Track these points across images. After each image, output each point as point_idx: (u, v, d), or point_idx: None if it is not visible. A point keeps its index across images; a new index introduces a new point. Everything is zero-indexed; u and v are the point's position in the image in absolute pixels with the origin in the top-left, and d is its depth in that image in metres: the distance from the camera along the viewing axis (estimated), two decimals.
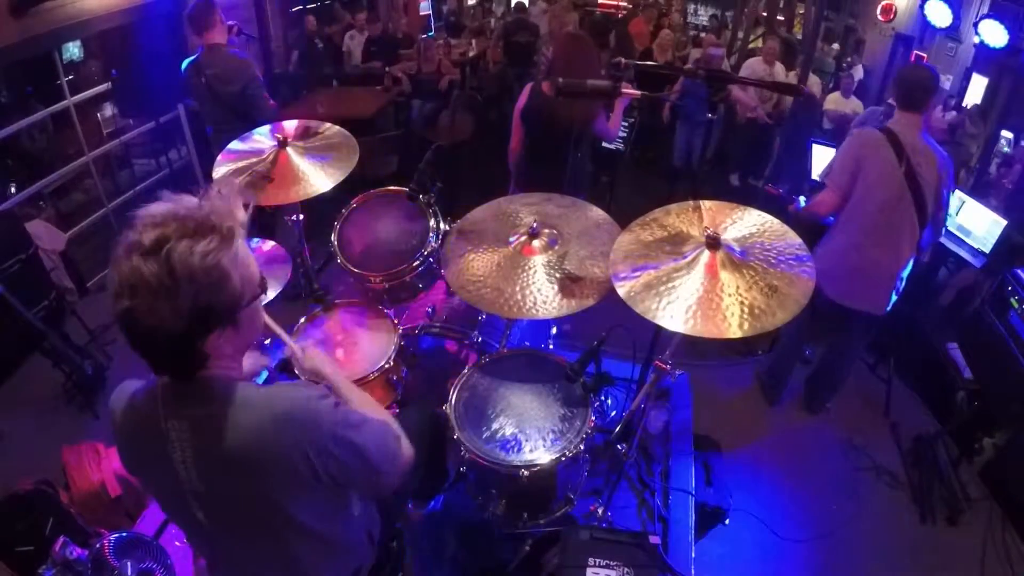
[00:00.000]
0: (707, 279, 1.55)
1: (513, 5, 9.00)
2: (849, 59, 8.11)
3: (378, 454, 1.16)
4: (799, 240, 1.65)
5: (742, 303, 1.50)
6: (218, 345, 1.01)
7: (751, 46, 8.01)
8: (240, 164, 2.10)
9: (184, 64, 3.55)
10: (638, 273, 1.61)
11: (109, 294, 0.95)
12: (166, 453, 1.04)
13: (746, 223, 1.70)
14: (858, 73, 7.60)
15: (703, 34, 8.90)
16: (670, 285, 1.56)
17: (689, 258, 1.61)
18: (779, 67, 5.90)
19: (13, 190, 4.22)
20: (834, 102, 6.13)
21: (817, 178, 2.95)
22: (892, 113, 5.34)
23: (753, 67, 5.92)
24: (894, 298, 2.78)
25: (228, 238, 0.97)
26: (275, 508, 1.07)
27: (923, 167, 2.53)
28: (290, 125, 2.26)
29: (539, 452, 1.69)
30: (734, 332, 1.47)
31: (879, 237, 2.65)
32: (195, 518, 1.10)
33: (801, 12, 9.32)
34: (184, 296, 0.92)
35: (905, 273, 2.74)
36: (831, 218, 2.85)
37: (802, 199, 2.98)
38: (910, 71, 2.77)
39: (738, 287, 1.53)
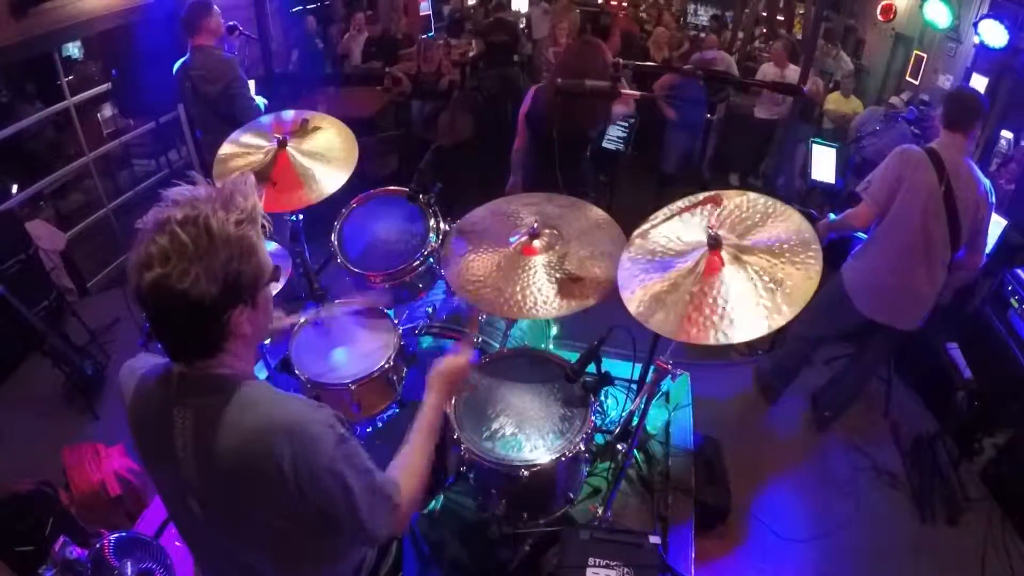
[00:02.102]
0: (709, 280, 1.55)
1: (492, 5, 8.99)
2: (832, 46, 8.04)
3: (368, 508, 1.11)
4: (806, 223, 1.63)
5: (745, 303, 1.50)
6: (240, 323, 1.02)
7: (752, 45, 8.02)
8: (240, 164, 2.10)
9: (175, 67, 3.55)
10: (644, 281, 1.62)
11: (133, 270, 0.95)
12: (170, 440, 1.04)
13: (749, 211, 1.70)
14: (844, 64, 7.61)
15: (703, 34, 8.89)
16: (678, 295, 1.56)
17: (691, 261, 1.61)
18: (792, 69, 5.86)
19: (15, 190, 4.22)
20: (834, 102, 6.13)
21: (857, 189, 2.90)
22: (893, 116, 5.37)
23: (764, 71, 5.93)
24: (926, 314, 2.76)
25: (253, 215, 1.01)
26: (267, 508, 1.07)
27: (963, 191, 2.51)
28: (287, 115, 2.25)
29: (539, 452, 1.69)
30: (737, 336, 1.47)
31: (916, 258, 2.64)
32: (191, 510, 1.10)
33: (801, 12, 9.32)
34: (219, 259, 0.95)
35: (936, 294, 2.73)
36: (862, 234, 2.84)
37: (832, 215, 2.94)
38: (961, 92, 2.74)
39: (740, 287, 1.53)
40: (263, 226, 1.04)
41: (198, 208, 0.95)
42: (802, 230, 1.60)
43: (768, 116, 5.94)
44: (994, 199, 2.60)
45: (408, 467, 1.28)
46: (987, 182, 2.57)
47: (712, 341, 1.47)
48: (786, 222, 1.63)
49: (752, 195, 1.73)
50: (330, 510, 1.08)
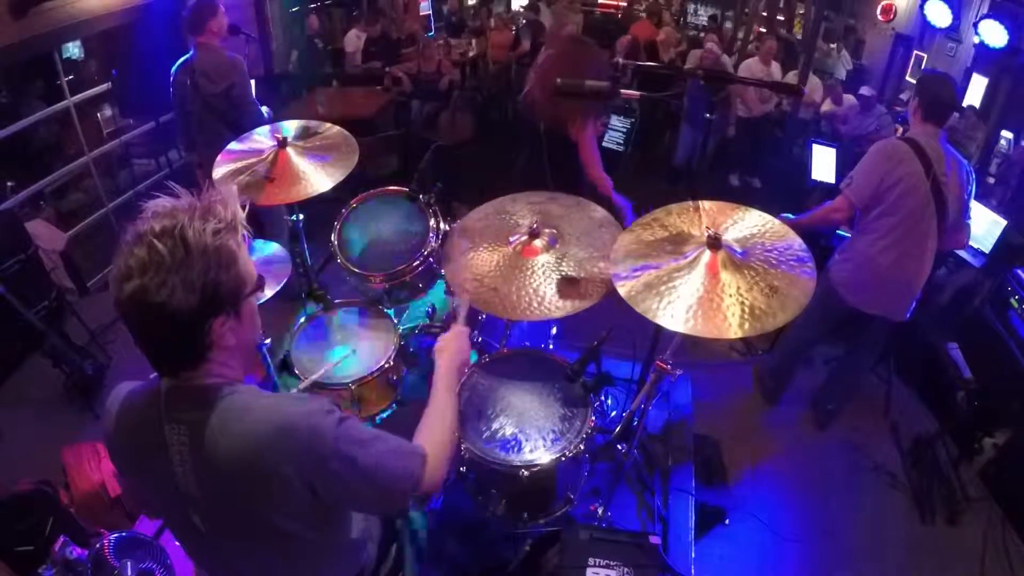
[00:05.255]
0: (708, 279, 1.55)
1: (527, 5, 9.04)
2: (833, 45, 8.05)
3: (387, 473, 1.11)
4: (800, 241, 1.65)
5: (743, 303, 1.49)
6: (222, 334, 1.01)
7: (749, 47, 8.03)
8: (240, 164, 2.10)
9: (175, 65, 3.53)
10: (639, 273, 1.61)
11: (114, 282, 0.95)
12: (165, 457, 1.03)
13: (747, 224, 1.70)
14: (844, 64, 7.63)
15: (703, 34, 8.89)
16: (671, 285, 1.56)
17: (690, 258, 1.60)
18: (775, 66, 5.92)
19: (11, 185, 4.22)
20: (829, 105, 6.17)
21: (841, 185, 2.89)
22: (870, 105, 5.43)
23: (751, 67, 5.95)
24: (913, 304, 2.77)
25: (233, 224, 1.01)
26: (270, 516, 1.06)
27: (948, 176, 2.53)
28: (290, 125, 2.26)
29: (539, 452, 1.69)
30: (734, 332, 1.46)
31: (905, 247, 2.64)
32: (192, 524, 1.09)
33: (801, 12, 9.32)
34: (197, 270, 0.94)
35: (924, 281, 2.74)
36: (840, 231, 2.84)
37: (789, 215, 2.92)
38: (937, 84, 2.65)
39: (739, 287, 1.53)
40: (243, 234, 1.03)
41: (175, 219, 0.95)
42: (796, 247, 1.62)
43: (748, 115, 5.97)
44: (974, 176, 2.62)
45: (428, 422, 1.29)
46: (965, 161, 2.60)
47: (708, 334, 1.47)
48: (783, 240, 1.64)
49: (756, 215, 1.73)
50: (348, 494, 1.09)
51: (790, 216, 2.84)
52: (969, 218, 2.69)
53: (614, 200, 2.80)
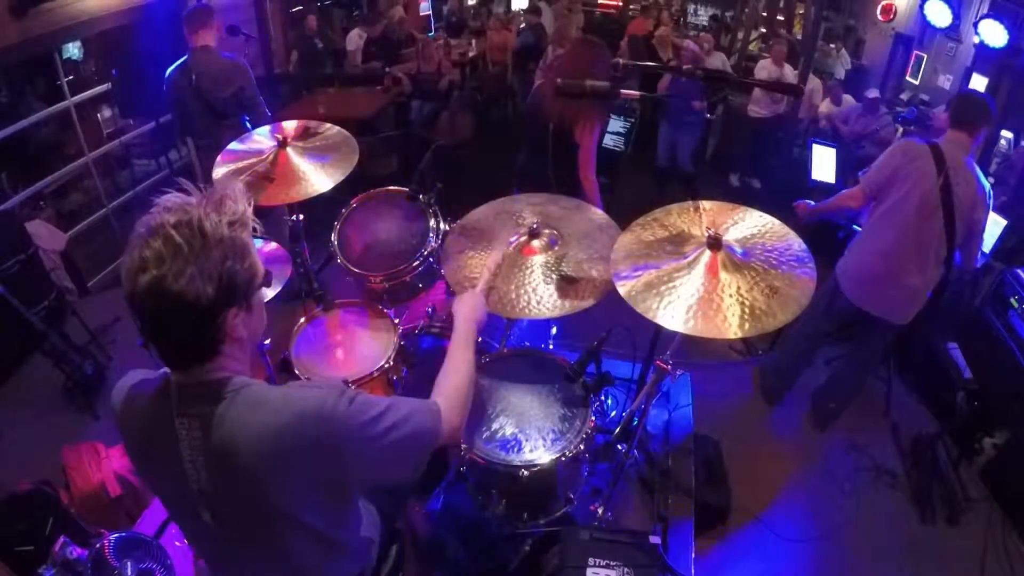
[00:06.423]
0: (708, 279, 1.55)
1: (527, 8, 9.03)
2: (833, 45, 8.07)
3: (406, 436, 1.13)
4: (800, 241, 1.65)
5: (743, 303, 1.50)
6: (235, 326, 1.01)
7: (750, 47, 8.03)
8: (240, 164, 2.10)
9: (170, 69, 3.51)
10: (639, 272, 1.62)
11: (127, 275, 0.94)
12: (176, 452, 1.03)
13: (747, 224, 1.70)
14: (844, 64, 7.64)
15: (701, 34, 8.88)
16: (671, 285, 1.56)
17: (690, 258, 1.61)
18: (788, 68, 5.92)
19: (7, 184, 4.22)
20: (828, 106, 6.17)
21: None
22: (874, 107, 5.45)
23: (766, 68, 5.96)
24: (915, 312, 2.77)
25: (244, 220, 1.02)
26: (282, 510, 1.06)
27: (961, 187, 2.54)
28: (290, 125, 2.26)
29: (539, 452, 1.69)
30: (734, 332, 1.47)
31: (906, 248, 2.65)
32: (201, 519, 1.09)
33: (801, 12, 9.32)
34: (214, 259, 0.95)
35: (929, 291, 2.74)
36: (856, 226, 2.86)
37: (810, 201, 2.98)
38: (971, 93, 2.86)
39: (739, 287, 1.53)
40: (254, 228, 1.05)
41: (190, 212, 0.96)
42: (796, 248, 1.62)
43: (762, 115, 5.96)
44: (991, 202, 2.62)
45: (444, 374, 1.36)
46: (987, 185, 2.59)
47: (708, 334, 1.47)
48: (783, 240, 1.65)
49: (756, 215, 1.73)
50: (371, 468, 1.12)
51: (811, 203, 2.94)
52: (980, 241, 2.70)
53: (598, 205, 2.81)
